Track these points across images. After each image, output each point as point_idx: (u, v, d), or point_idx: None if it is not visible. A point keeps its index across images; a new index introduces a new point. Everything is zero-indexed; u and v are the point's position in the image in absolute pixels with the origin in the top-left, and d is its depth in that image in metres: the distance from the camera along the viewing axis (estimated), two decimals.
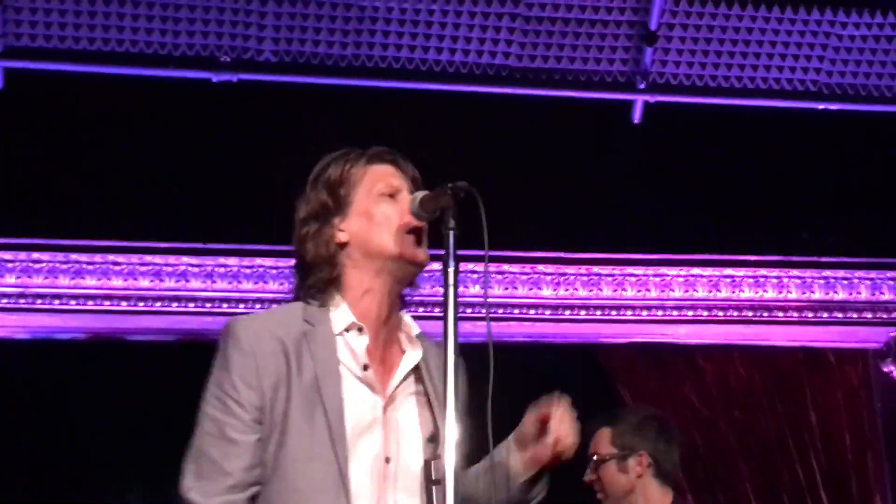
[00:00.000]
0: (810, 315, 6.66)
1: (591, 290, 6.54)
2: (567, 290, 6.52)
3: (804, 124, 6.53)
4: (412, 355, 3.00)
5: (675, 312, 6.60)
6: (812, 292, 6.64)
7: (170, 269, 6.09)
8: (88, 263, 6.15)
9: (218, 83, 6.13)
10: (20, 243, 6.15)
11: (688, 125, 6.49)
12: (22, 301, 6.15)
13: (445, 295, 2.79)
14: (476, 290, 6.18)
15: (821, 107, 6.53)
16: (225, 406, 2.81)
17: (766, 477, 6.58)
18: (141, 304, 6.18)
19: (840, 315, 6.67)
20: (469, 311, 5.69)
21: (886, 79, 6.51)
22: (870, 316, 6.68)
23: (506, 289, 6.46)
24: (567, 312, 6.54)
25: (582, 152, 6.44)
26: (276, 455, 2.77)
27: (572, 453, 3.02)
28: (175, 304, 6.07)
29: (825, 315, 6.67)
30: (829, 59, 6.45)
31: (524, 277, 6.50)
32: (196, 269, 6.15)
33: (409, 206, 2.97)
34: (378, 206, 3.01)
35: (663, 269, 6.59)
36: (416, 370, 2.99)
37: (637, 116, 6.43)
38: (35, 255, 6.16)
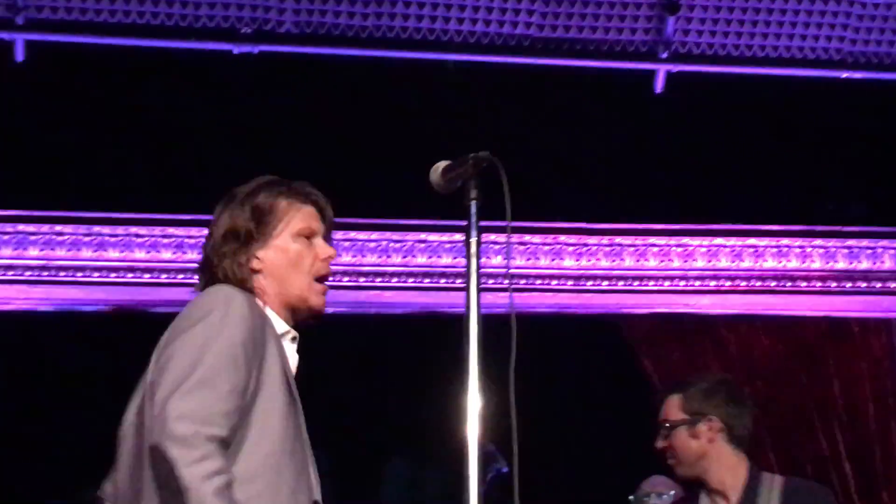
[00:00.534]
0: (834, 285, 6.64)
1: (613, 261, 6.53)
2: (589, 260, 6.51)
3: (827, 93, 6.50)
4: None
5: (697, 283, 6.59)
6: (836, 262, 6.61)
7: (192, 241, 6.09)
8: (111, 236, 6.17)
9: (238, 55, 6.13)
10: (43, 216, 6.17)
11: (710, 95, 6.46)
12: (45, 274, 6.17)
13: (468, 265, 2.79)
14: (498, 260, 6.17)
15: (844, 75, 6.49)
16: (236, 366, 2.77)
17: (789, 447, 6.57)
18: (164, 276, 6.20)
19: (864, 285, 6.65)
20: (491, 282, 5.69)
21: None
22: (893, 285, 6.66)
23: (528, 259, 6.46)
24: (589, 283, 6.53)
25: (604, 122, 6.42)
26: (263, 432, 2.78)
27: None
28: (197, 277, 6.08)
29: (849, 285, 6.65)
30: (852, 27, 6.41)
31: (546, 248, 6.49)
32: None
33: (431, 177, 2.96)
34: (294, 245, 3.08)
35: (686, 239, 6.57)
36: None
37: (659, 86, 6.41)
38: (58, 228, 6.17)
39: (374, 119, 6.18)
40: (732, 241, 6.59)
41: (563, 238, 6.51)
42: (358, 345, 6.60)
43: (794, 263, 6.60)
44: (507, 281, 6.03)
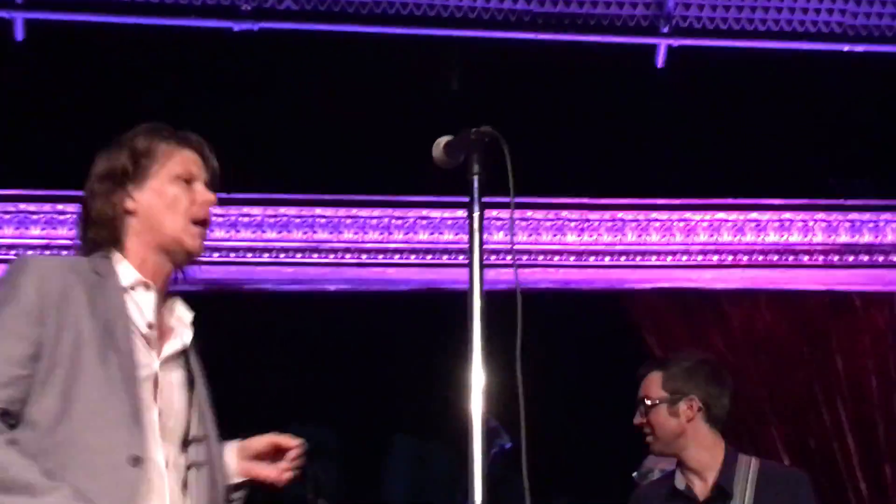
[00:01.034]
0: (836, 259, 6.64)
1: (615, 236, 6.54)
2: (591, 235, 6.51)
3: (829, 66, 6.49)
4: (185, 334, 3.06)
5: (700, 257, 6.59)
6: (838, 235, 6.61)
7: None
8: None
9: (239, 32, 6.12)
10: (44, 195, 6.18)
11: (711, 69, 6.45)
12: (47, 253, 6.17)
13: (470, 241, 2.79)
14: (500, 236, 6.17)
15: (846, 48, 6.47)
16: (16, 336, 2.81)
17: (792, 421, 6.58)
18: None
19: (866, 258, 6.64)
20: (494, 258, 5.69)
21: None
22: None
23: (530, 235, 6.46)
24: (592, 258, 6.54)
25: (605, 97, 6.41)
26: (67, 395, 2.79)
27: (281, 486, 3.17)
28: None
29: (851, 258, 6.65)
30: (853, 0, 6.39)
31: (548, 224, 6.49)
32: (220, 220, 6.16)
33: (433, 153, 2.96)
34: (171, 187, 3.06)
35: (688, 214, 6.57)
36: (183, 353, 3.05)
37: (660, 61, 6.39)
38: (59, 207, 6.18)
39: (375, 95, 6.17)
40: (734, 215, 6.59)
41: (565, 213, 6.50)
42: (360, 322, 6.61)
43: (796, 237, 6.60)
44: (509, 257, 6.03)
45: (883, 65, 6.50)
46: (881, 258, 6.65)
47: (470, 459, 2.69)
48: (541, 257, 6.48)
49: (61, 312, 2.84)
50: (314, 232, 6.34)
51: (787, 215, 6.61)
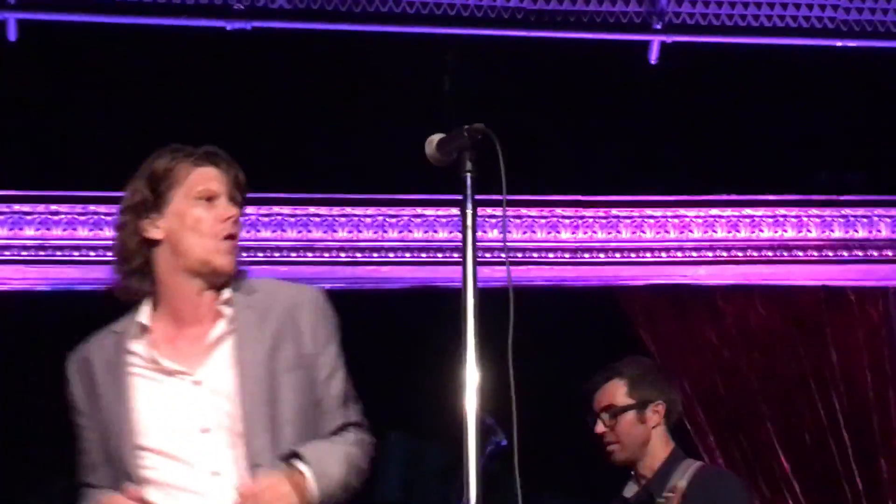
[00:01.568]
0: (830, 254, 6.65)
1: (609, 233, 6.54)
2: (585, 232, 6.52)
3: (822, 62, 6.49)
4: (218, 327, 3.07)
5: (694, 254, 6.60)
6: (832, 231, 6.62)
7: None
8: (107, 214, 6.15)
9: (232, 31, 6.11)
10: (38, 195, 6.17)
11: (705, 65, 6.45)
12: (42, 253, 6.17)
13: (464, 238, 2.79)
14: (494, 234, 6.17)
15: (839, 44, 6.47)
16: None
17: (787, 417, 6.58)
18: None
19: (860, 253, 6.65)
20: (487, 255, 5.69)
21: None
22: (890, 254, 6.66)
23: (524, 233, 6.46)
24: (586, 255, 6.54)
25: (598, 94, 6.41)
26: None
27: None
28: None
29: (845, 254, 6.65)
30: None
31: (542, 221, 6.49)
32: None
33: (426, 150, 2.96)
34: (192, 210, 3.05)
35: (682, 211, 6.57)
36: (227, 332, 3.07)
37: (654, 57, 6.39)
38: (53, 207, 6.17)
39: (369, 93, 6.17)
40: (728, 211, 6.60)
41: (559, 210, 6.51)
42: (355, 320, 6.58)
43: (790, 233, 6.61)
44: (503, 254, 6.03)
45: (876, 60, 6.50)
46: (875, 253, 6.65)
47: (465, 457, 2.69)
48: (535, 254, 6.48)
49: (73, 390, 3.20)
50: (308, 231, 6.34)
51: (781, 211, 6.62)
